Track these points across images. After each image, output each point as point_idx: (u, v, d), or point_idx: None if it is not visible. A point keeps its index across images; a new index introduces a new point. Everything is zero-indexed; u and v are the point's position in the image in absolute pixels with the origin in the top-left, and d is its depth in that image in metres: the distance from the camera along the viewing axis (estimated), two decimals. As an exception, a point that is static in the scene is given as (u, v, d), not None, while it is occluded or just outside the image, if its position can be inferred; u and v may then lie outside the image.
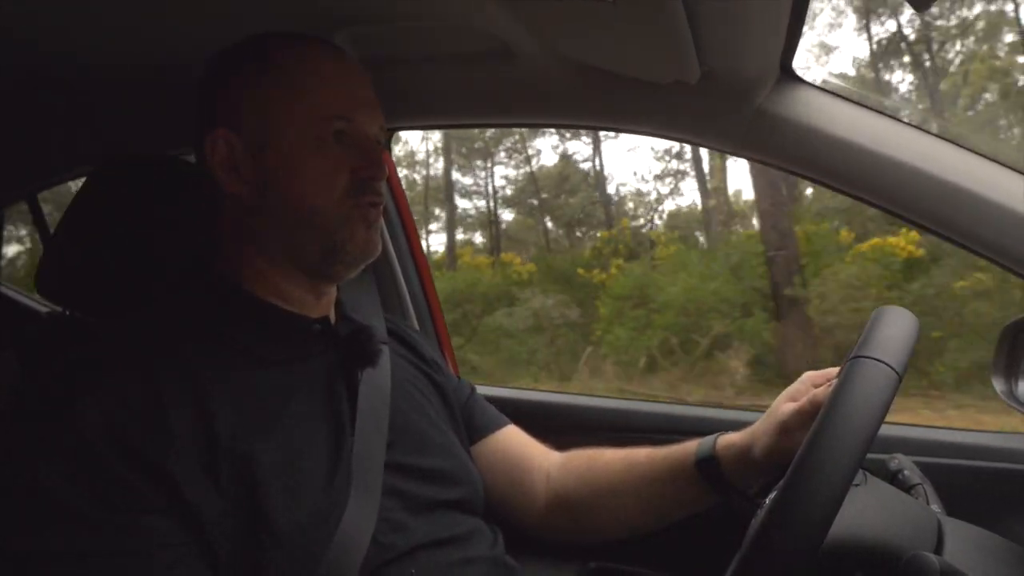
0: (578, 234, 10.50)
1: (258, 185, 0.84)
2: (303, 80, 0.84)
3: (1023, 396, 0.92)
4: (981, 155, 0.99)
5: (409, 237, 1.60)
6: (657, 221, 9.88)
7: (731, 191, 9.61)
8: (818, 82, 1.04)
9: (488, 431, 1.11)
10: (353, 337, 0.91)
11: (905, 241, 6.45)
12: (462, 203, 11.45)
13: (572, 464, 1.09)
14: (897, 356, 0.65)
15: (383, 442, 0.87)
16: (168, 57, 1.03)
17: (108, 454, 0.66)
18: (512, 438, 1.12)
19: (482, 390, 1.20)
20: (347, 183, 0.84)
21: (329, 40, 0.92)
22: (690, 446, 1.00)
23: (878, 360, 0.64)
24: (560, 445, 1.14)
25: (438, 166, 11.63)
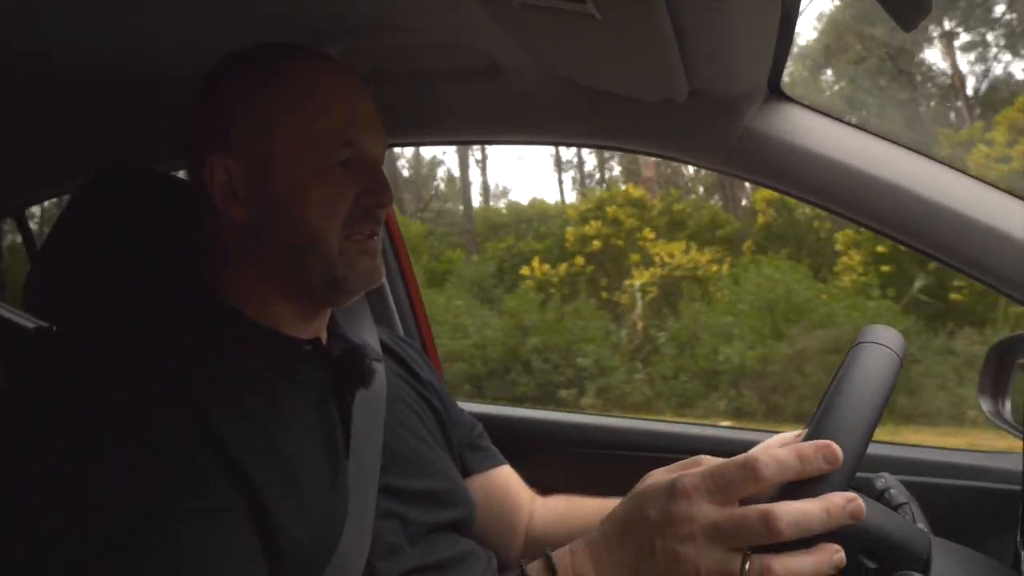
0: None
1: (258, 209, 0.81)
2: (307, 100, 0.80)
3: (1009, 415, 0.92)
4: (969, 175, 0.99)
5: (397, 251, 1.59)
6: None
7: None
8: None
9: (484, 468, 1.10)
10: (346, 357, 0.88)
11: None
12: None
13: (551, 505, 1.12)
14: (896, 343, 0.66)
15: (377, 465, 0.84)
16: (161, 67, 1.02)
17: (97, 471, 0.64)
18: (508, 478, 1.13)
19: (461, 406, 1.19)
20: (350, 209, 0.81)
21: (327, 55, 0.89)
22: None
23: (879, 344, 0.65)
24: (539, 461, 1.14)
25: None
